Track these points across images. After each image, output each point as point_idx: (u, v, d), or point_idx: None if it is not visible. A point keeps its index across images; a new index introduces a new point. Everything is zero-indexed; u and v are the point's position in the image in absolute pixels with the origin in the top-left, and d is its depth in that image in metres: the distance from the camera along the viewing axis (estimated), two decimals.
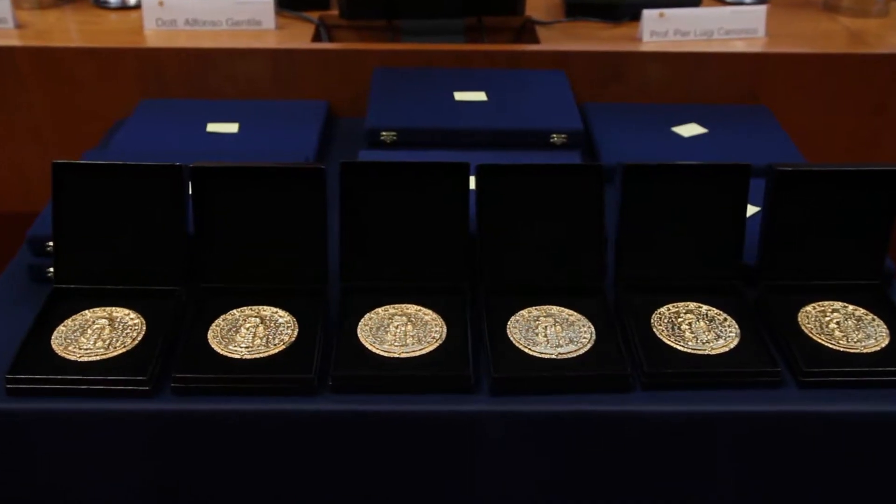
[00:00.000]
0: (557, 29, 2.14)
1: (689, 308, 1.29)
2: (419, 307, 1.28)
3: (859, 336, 1.24)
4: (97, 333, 1.22)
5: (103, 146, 1.79)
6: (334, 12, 2.19)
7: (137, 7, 2.14)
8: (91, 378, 1.14)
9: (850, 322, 1.27)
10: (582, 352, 1.21)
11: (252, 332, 1.23)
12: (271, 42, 2.01)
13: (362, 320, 1.25)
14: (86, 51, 1.94)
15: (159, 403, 1.13)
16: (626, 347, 1.22)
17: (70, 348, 1.19)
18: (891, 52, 1.98)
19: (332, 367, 1.16)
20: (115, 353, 1.19)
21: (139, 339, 1.21)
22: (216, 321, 1.25)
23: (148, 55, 1.94)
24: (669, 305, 1.29)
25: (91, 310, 1.26)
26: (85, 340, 1.21)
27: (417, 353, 1.20)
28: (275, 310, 1.27)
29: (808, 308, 1.30)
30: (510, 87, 1.86)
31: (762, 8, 2.05)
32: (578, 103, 1.85)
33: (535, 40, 2.09)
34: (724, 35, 2.05)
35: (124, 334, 1.22)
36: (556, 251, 1.31)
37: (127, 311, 1.26)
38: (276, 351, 1.20)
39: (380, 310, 1.28)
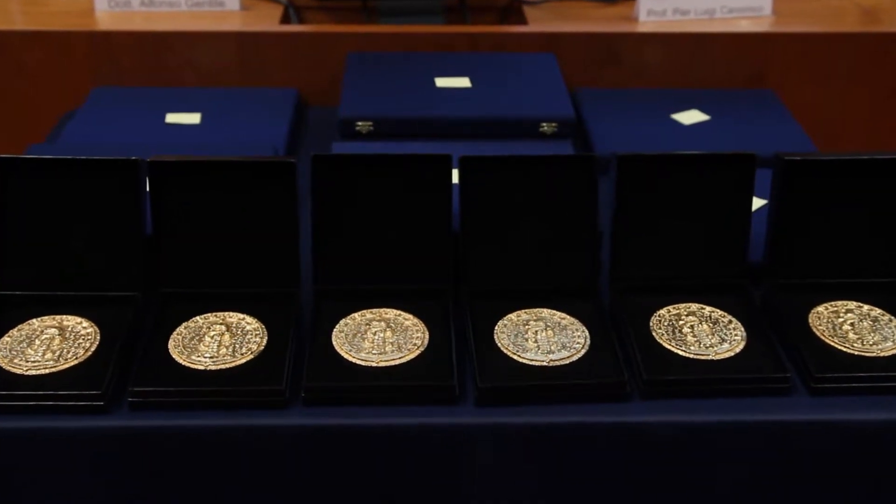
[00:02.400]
0: (546, 8, 2.15)
1: (691, 310, 1.30)
2: (399, 312, 1.28)
3: (875, 338, 1.25)
4: (46, 344, 1.21)
5: (51, 140, 1.78)
6: None
7: None
8: (40, 393, 1.13)
9: (865, 323, 1.28)
10: (575, 358, 1.21)
11: (217, 341, 1.23)
12: (236, 24, 2.01)
13: (337, 326, 1.26)
14: (31, 34, 1.93)
15: (115, 420, 1.13)
16: (623, 353, 1.22)
17: (16, 361, 1.19)
18: None
19: (304, 378, 1.16)
20: (66, 366, 1.18)
21: (92, 349, 1.21)
22: (177, 329, 1.24)
23: (100, 39, 1.93)
24: (669, 307, 1.30)
25: (39, 318, 1.26)
26: (32, 352, 1.20)
27: (397, 362, 1.20)
28: (241, 316, 1.27)
29: (820, 308, 1.31)
30: (496, 73, 1.87)
31: None
32: (570, 89, 1.85)
33: (523, 21, 2.09)
34: (728, 13, 2.06)
35: (76, 345, 1.22)
36: (546, 249, 1.31)
37: (79, 319, 1.26)
38: (244, 361, 1.20)
39: (356, 315, 1.28)
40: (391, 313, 1.28)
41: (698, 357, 1.22)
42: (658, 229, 1.32)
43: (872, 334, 1.26)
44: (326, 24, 2.20)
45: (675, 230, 1.32)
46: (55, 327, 1.24)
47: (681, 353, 1.22)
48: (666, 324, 1.27)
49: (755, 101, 1.89)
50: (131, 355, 1.21)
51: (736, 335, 1.25)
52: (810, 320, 1.29)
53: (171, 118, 1.76)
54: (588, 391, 1.17)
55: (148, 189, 1.27)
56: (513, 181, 1.30)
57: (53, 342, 1.22)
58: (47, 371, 1.18)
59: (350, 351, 1.21)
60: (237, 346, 1.22)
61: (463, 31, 1.99)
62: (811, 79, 2.01)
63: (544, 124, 1.71)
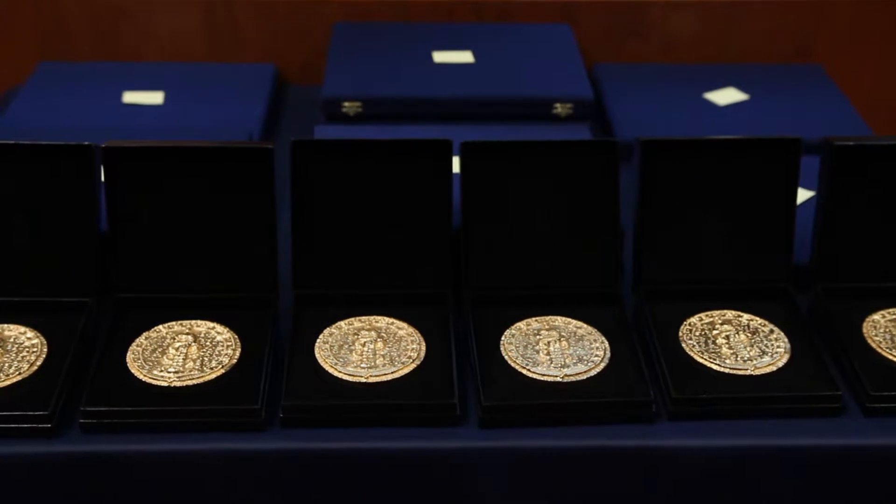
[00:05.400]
0: None
1: (727, 318, 1.30)
2: (391, 320, 1.29)
3: None
4: None
5: None
6: None
7: None
8: None
9: None
10: (593, 373, 1.22)
11: (182, 354, 1.23)
12: None
13: (321, 337, 1.26)
14: None
15: (65, 444, 1.13)
16: (649, 367, 1.22)
17: None
18: None
19: (282, 396, 1.17)
20: (8, 383, 1.18)
21: (38, 363, 1.21)
22: (137, 340, 1.25)
23: (47, 7, 1.93)
24: (702, 315, 1.30)
25: None
26: None
27: (389, 377, 1.20)
28: (211, 325, 1.27)
29: (876, 317, 1.31)
30: (502, 46, 1.87)
31: None
32: (587, 65, 1.85)
33: None
34: None
35: (20, 358, 1.22)
36: (560, 249, 1.32)
37: (23, 328, 1.26)
38: (213, 376, 1.20)
39: (342, 323, 1.28)
40: (382, 322, 1.29)
41: (735, 372, 1.22)
42: (688, 225, 1.32)
43: None
44: None
45: (709, 227, 1.32)
46: None
47: (715, 367, 1.23)
48: (698, 334, 1.28)
49: (801, 78, 1.89)
50: (83, 370, 1.21)
51: (778, 347, 1.26)
52: (865, 330, 1.29)
53: (130, 97, 1.76)
54: (608, 411, 1.17)
55: (102, 179, 1.27)
56: (522, 170, 1.30)
57: None
58: None
59: (335, 365, 1.22)
60: (206, 359, 1.22)
61: None
62: (866, 52, 2.01)
63: (558, 105, 1.71)
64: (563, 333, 1.27)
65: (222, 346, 1.24)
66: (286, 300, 1.31)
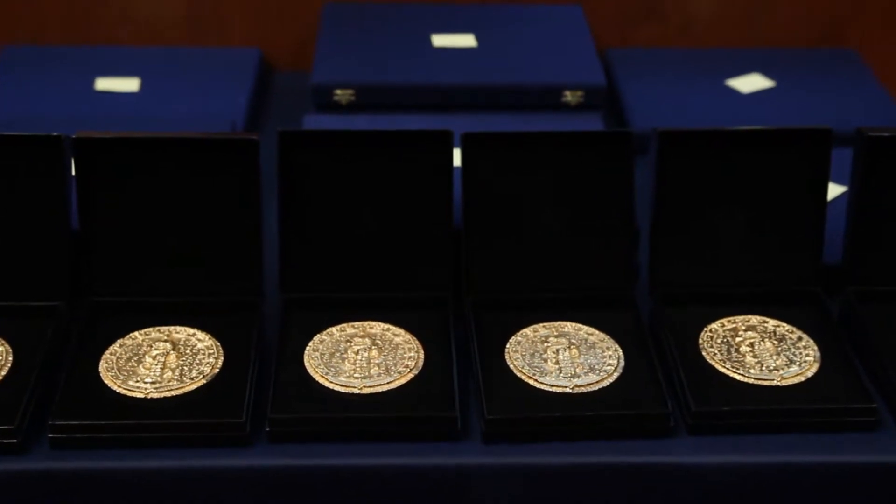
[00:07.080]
0: None
1: (751, 324, 1.30)
2: (387, 326, 1.29)
3: None
4: None
5: None
6: None
7: None
8: None
9: None
10: (606, 384, 1.22)
11: (160, 363, 1.23)
12: None
13: (310, 344, 1.26)
14: None
15: (33, 461, 1.13)
16: (666, 378, 1.23)
17: None
18: None
19: (269, 408, 1.17)
20: None
21: (4, 373, 1.21)
22: (111, 348, 1.25)
23: None
24: (723, 321, 1.30)
25: None
26: None
27: (385, 388, 1.21)
28: (192, 331, 1.28)
29: None
30: (507, 29, 1.87)
31: None
32: (600, 50, 1.86)
33: None
34: None
35: None
36: (569, 249, 1.32)
37: None
38: (194, 387, 1.20)
39: (334, 330, 1.28)
40: (377, 328, 1.29)
41: (760, 383, 1.22)
42: (709, 223, 1.32)
43: None
44: None
45: (731, 225, 1.32)
46: None
47: (738, 377, 1.23)
48: (719, 341, 1.28)
49: (832, 64, 1.90)
50: (53, 380, 1.21)
51: (807, 356, 1.26)
52: None
53: (103, 84, 1.76)
54: (622, 425, 1.17)
55: (74, 172, 1.28)
56: (528, 163, 1.31)
57: None
58: None
59: (326, 374, 1.22)
60: (185, 368, 1.22)
61: None
62: None
63: (568, 93, 1.71)
64: (573, 340, 1.27)
65: (203, 354, 1.24)
66: (273, 304, 1.31)
